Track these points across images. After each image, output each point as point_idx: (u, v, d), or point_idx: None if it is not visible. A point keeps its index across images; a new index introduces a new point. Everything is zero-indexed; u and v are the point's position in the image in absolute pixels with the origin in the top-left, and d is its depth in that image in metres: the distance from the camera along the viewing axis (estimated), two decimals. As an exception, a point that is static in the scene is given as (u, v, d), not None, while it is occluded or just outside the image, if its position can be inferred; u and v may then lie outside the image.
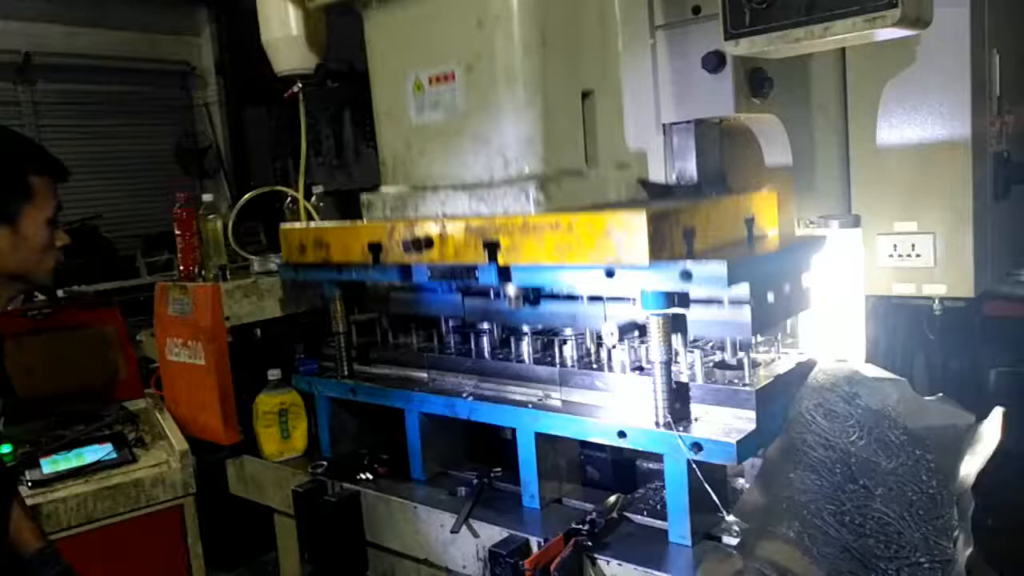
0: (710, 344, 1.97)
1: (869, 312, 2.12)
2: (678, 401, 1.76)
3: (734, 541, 1.63)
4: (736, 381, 1.79)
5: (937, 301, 2.23)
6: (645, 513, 1.88)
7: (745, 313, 1.71)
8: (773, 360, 1.93)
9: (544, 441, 1.95)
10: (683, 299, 1.70)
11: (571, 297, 2.00)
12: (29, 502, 2.31)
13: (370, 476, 2.24)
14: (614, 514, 1.86)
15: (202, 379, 2.57)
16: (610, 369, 1.97)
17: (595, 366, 2.01)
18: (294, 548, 2.35)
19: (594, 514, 1.83)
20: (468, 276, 1.95)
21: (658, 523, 1.82)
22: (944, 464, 1.67)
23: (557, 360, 2.05)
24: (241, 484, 2.60)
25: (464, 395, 2.11)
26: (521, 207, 1.93)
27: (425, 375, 2.29)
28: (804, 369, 1.89)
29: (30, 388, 2.72)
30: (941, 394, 1.84)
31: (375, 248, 2.12)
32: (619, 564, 1.70)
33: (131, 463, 2.50)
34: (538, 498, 1.96)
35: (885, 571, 1.55)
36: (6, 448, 2.43)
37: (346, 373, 2.40)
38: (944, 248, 2.18)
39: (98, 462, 2.47)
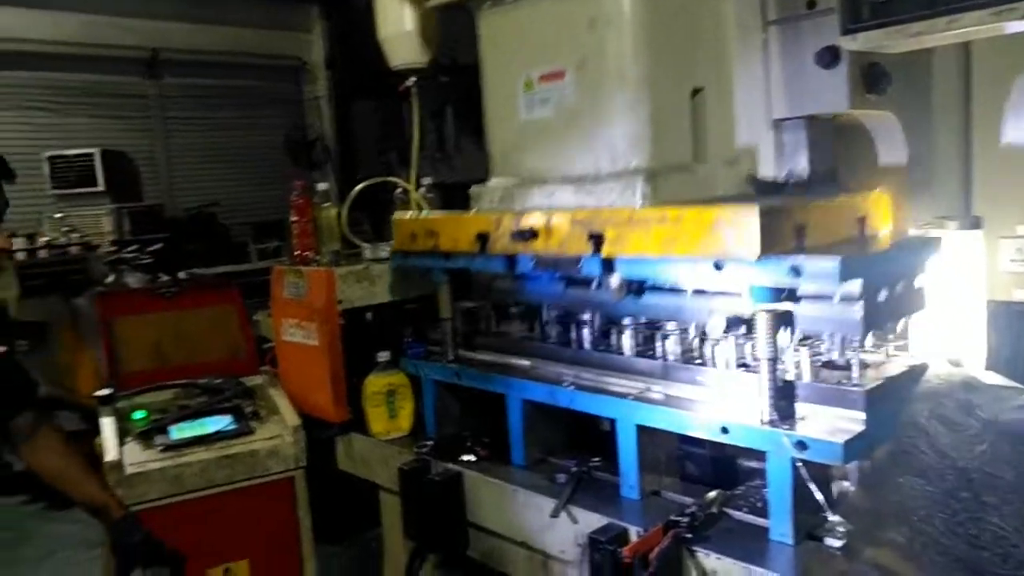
0: (818, 343, 1.94)
1: (990, 319, 2.05)
2: (783, 399, 1.75)
3: (838, 543, 1.62)
4: (844, 381, 1.77)
5: (1064, 307, 2.13)
6: (745, 510, 1.88)
7: (856, 311, 1.69)
8: (883, 362, 1.89)
9: (644, 433, 1.98)
10: (791, 295, 1.69)
11: (674, 290, 2.00)
12: (158, 465, 2.51)
13: (472, 458, 2.32)
14: (714, 509, 1.87)
15: (315, 359, 2.71)
16: (713, 364, 1.98)
17: (697, 361, 2.02)
18: (398, 524, 2.46)
19: (694, 507, 1.84)
20: (572, 267, 1.99)
21: (759, 520, 1.82)
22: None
23: (659, 353, 2.07)
24: (349, 460, 2.73)
25: (565, 384, 2.15)
26: (627, 201, 1.96)
27: (527, 362, 2.35)
28: (916, 372, 1.85)
29: (158, 360, 2.94)
30: (1067, 404, 1.77)
31: (482, 238, 2.19)
32: (718, 558, 1.71)
33: (248, 435, 2.66)
34: (637, 489, 1.99)
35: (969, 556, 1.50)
36: (140, 414, 2.63)
37: (451, 358, 2.48)
38: (1074, 253, 2.08)
39: (218, 432, 2.64)
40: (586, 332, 2.25)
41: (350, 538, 3.49)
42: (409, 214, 2.55)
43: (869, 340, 1.94)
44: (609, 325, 2.23)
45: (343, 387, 2.67)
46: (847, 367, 1.85)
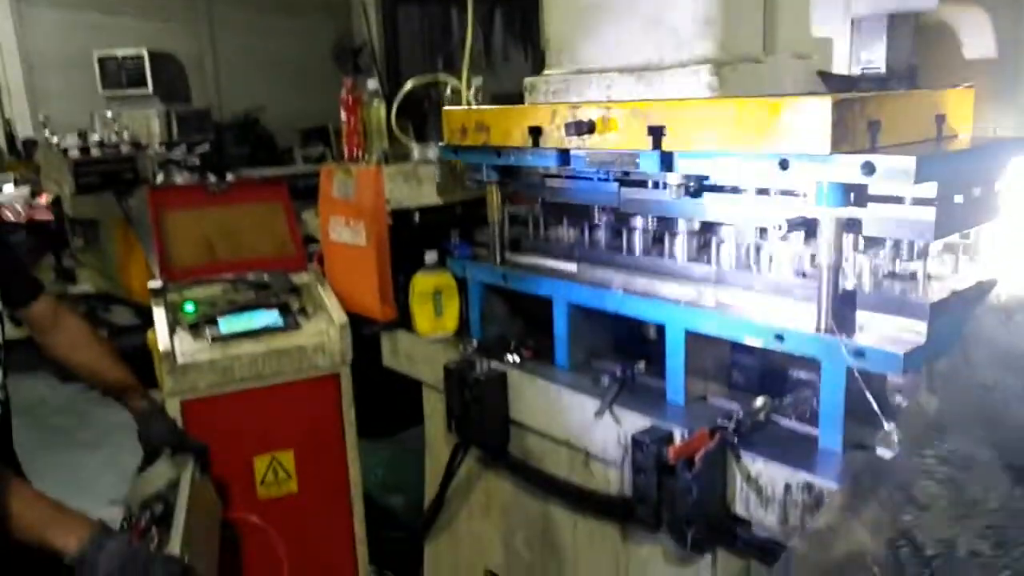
0: (880, 251, 1.87)
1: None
2: (843, 306, 1.70)
3: (889, 452, 1.58)
4: (908, 291, 1.70)
5: None
6: (793, 418, 1.86)
7: (928, 214, 1.59)
8: (950, 275, 1.81)
9: (693, 339, 1.94)
10: (861, 197, 1.61)
11: (736, 190, 1.92)
12: (207, 356, 2.56)
13: (517, 359, 2.32)
14: (761, 416, 1.85)
15: (362, 258, 2.71)
16: (770, 270, 1.92)
17: (754, 267, 1.96)
18: (441, 421, 2.49)
19: (740, 412, 1.82)
20: (629, 163, 1.92)
21: (807, 428, 1.80)
22: None
23: (713, 259, 2.02)
24: (394, 357, 2.76)
25: (615, 288, 2.12)
26: (692, 91, 1.87)
27: (575, 267, 2.31)
28: (985, 288, 1.76)
29: (207, 256, 2.97)
30: None
31: (535, 132, 2.11)
32: (764, 463, 1.70)
33: (296, 329, 2.69)
34: (683, 393, 1.97)
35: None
36: (191, 306, 2.68)
37: (499, 260, 2.46)
38: None
39: (266, 327, 2.68)
40: (638, 236, 2.20)
41: (394, 434, 3.57)
42: (460, 107, 2.48)
43: (936, 248, 1.86)
44: (662, 229, 2.17)
45: (390, 286, 2.67)
46: (911, 278, 1.78)
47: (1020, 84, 2.02)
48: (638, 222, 2.21)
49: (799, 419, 1.85)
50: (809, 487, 1.63)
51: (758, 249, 1.98)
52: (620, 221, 2.29)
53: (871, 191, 1.63)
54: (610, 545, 2.13)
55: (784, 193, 1.80)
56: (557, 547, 2.31)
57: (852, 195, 1.61)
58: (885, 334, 1.67)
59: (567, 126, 1.96)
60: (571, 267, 2.32)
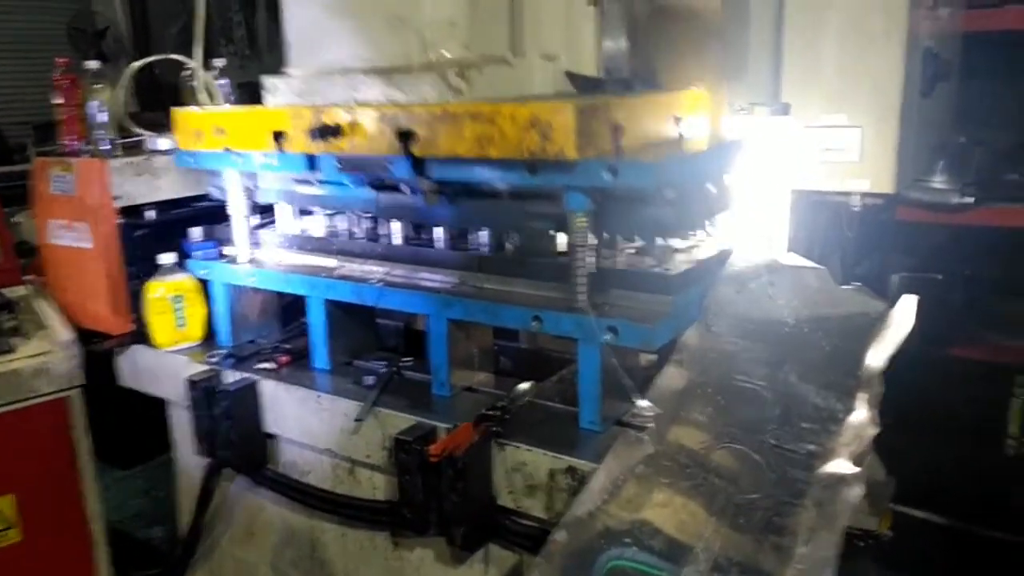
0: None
1: (792, 207, 2.08)
2: (596, 286, 1.69)
3: (644, 427, 1.59)
4: (655, 266, 1.73)
5: (858, 197, 2.20)
6: (557, 400, 1.83)
7: (669, 212, 1.63)
8: (693, 247, 1.87)
9: (457, 328, 1.86)
10: (606, 198, 1.61)
11: (492, 195, 1.85)
12: None
13: (271, 365, 2.12)
14: (525, 401, 1.81)
15: (89, 264, 2.36)
16: (529, 256, 1.88)
17: (512, 253, 1.91)
18: (191, 441, 2.22)
19: (504, 401, 1.77)
20: (380, 169, 1.81)
21: (571, 410, 1.77)
22: (855, 347, 1.66)
23: (472, 246, 1.95)
24: (133, 376, 2.44)
25: (374, 281, 1.99)
26: (440, 94, 1.78)
27: (333, 262, 2.15)
28: (724, 256, 1.84)
29: None
30: (859, 283, 1.82)
31: (279, 136, 1.93)
32: (528, 450, 1.65)
33: (6, 353, 2.29)
34: (448, 386, 1.88)
35: (772, 434, 1.51)
36: None
37: (247, 259, 2.23)
38: (870, 143, 2.14)
39: (-30, 352, 2.26)
40: (397, 227, 2.08)
41: (142, 461, 3.20)
42: (194, 108, 2.22)
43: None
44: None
45: (124, 294, 2.35)
46: (659, 253, 1.81)
47: (748, 70, 2.14)
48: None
49: (564, 401, 1.83)
50: (572, 471, 1.60)
51: (518, 234, 1.94)
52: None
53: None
54: (381, 554, 2.01)
55: (538, 196, 1.76)
56: (327, 563, 2.14)
57: (599, 195, 1.61)
58: (637, 309, 1.68)
59: (312, 132, 1.80)
60: (330, 262, 2.16)
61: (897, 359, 1.66)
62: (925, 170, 2.56)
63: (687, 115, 1.88)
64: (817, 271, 1.81)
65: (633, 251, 1.83)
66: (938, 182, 2.66)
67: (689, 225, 1.75)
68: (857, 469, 1.37)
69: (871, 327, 1.68)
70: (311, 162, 1.93)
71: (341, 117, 1.81)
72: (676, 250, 1.82)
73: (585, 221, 1.62)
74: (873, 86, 2.10)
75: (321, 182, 2.09)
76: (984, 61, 2.83)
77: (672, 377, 1.61)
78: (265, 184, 2.22)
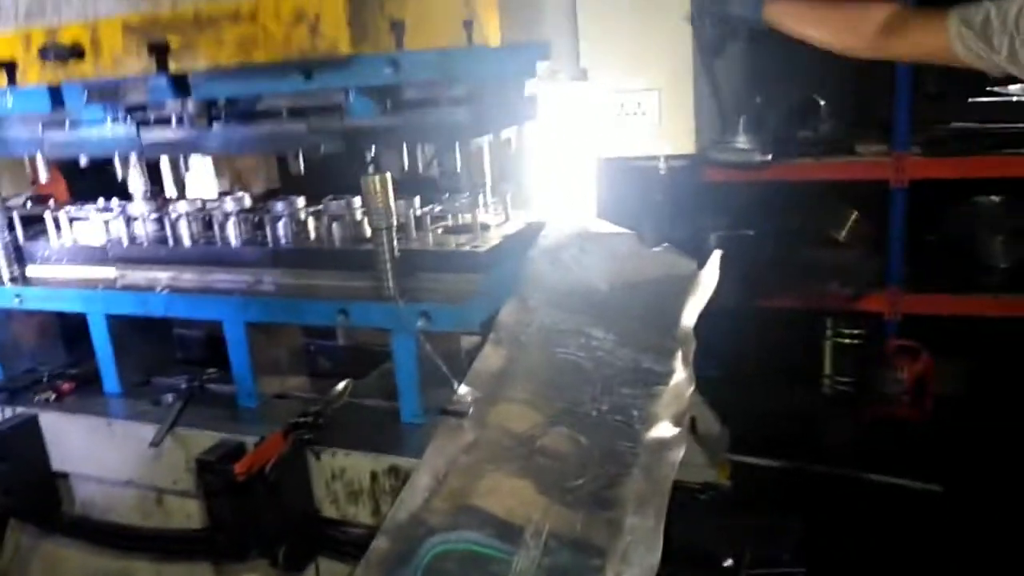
0: (437, 206, 1.81)
1: (599, 174, 2.07)
2: (403, 270, 1.59)
3: (465, 413, 1.51)
4: (464, 244, 1.65)
5: (662, 159, 2.22)
6: (378, 396, 1.73)
7: (463, 113, 1.49)
8: (503, 222, 1.81)
9: (258, 332, 1.71)
10: (397, 103, 1.49)
11: (269, 114, 1.63)
12: None
13: (52, 396, 1.87)
14: (342, 402, 1.68)
15: None
16: (330, 243, 1.75)
17: (312, 239, 1.77)
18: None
19: (319, 404, 1.64)
20: (137, 93, 1.57)
21: (394, 405, 1.67)
22: (668, 307, 1.66)
23: (270, 237, 1.79)
24: None
25: (159, 289, 1.79)
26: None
27: (113, 272, 1.92)
28: (535, 229, 1.79)
29: None
30: (667, 244, 1.83)
31: (9, 68, 1.62)
32: (346, 454, 1.53)
33: None
34: (255, 396, 1.73)
35: (595, 405, 1.49)
36: None
37: (12, 276, 1.95)
38: (668, 105, 2.16)
39: None
40: (184, 225, 1.88)
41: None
42: None
43: (488, 199, 1.85)
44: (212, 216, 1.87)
45: None
46: (468, 229, 1.74)
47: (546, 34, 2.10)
48: (182, 207, 1.89)
49: (385, 397, 1.72)
50: (395, 470, 1.50)
51: (318, 216, 1.80)
52: (162, 209, 1.94)
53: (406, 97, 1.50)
54: (202, 588, 1.83)
55: (323, 109, 1.57)
56: (144, 606, 1.93)
57: (388, 102, 1.48)
58: (450, 291, 1.60)
59: (43, 52, 1.52)
60: (108, 272, 1.93)
61: (720, 315, 1.68)
62: (727, 131, 2.63)
63: (480, 22, 1.71)
64: (627, 236, 1.80)
65: (441, 230, 1.75)
66: (740, 142, 2.74)
67: (488, 127, 1.61)
68: (678, 430, 1.36)
69: (682, 286, 1.69)
70: (54, 96, 1.64)
71: (81, 34, 1.53)
72: (485, 226, 1.76)
73: (379, 183, 1.50)
74: (666, 48, 2.12)
75: (74, 124, 1.78)
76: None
77: (490, 358, 1.54)
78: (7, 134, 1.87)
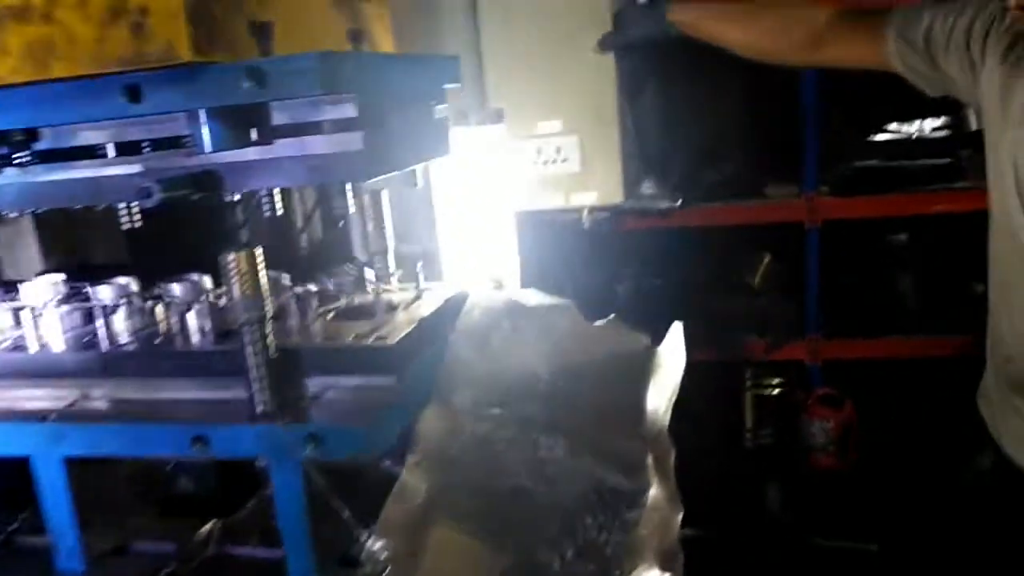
0: (326, 282, 1.41)
1: (517, 229, 1.75)
2: (284, 375, 1.18)
3: (378, 569, 1.12)
4: (366, 334, 1.27)
5: (587, 211, 1.93)
6: (256, 540, 1.30)
7: (355, 141, 1.09)
8: (415, 299, 1.44)
9: (83, 469, 1.25)
10: (264, 131, 1.09)
11: (93, 152, 1.19)
12: None
13: None
14: (208, 554, 1.25)
15: None
16: (184, 340, 1.33)
17: (159, 337, 1.34)
18: None
19: (174, 561, 1.20)
20: None
21: (275, 553, 1.24)
22: (625, 397, 1.34)
23: (102, 335, 1.35)
24: None
25: (-61, 415, 1.30)
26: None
27: None
28: (455, 304, 1.42)
29: None
30: (613, 315, 1.51)
31: None
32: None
33: None
34: (80, 556, 1.25)
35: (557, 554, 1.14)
36: None
37: None
38: (591, 151, 1.87)
39: None
40: (-22, 322, 1.41)
41: None
42: None
43: (393, 272, 1.48)
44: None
45: None
46: (371, 313, 1.36)
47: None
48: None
49: (265, 540, 1.29)
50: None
51: (167, 305, 1.37)
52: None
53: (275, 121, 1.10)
54: None
55: (160, 143, 1.16)
56: None
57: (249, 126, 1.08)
58: (348, 400, 1.20)
59: None
60: None
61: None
62: (636, 178, 2.40)
63: (370, 32, 1.37)
64: (564, 307, 1.46)
65: (332, 315, 1.36)
66: (647, 188, 2.53)
67: (390, 161, 1.22)
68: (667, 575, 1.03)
69: (638, 368, 1.37)
70: None
71: None
72: (392, 307, 1.38)
73: (244, 261, 1.10)
74: (586, 85, 1.84)
75: None
76: (677, 63, 2.78)
77: (410, 491, 1.16)
78: None
